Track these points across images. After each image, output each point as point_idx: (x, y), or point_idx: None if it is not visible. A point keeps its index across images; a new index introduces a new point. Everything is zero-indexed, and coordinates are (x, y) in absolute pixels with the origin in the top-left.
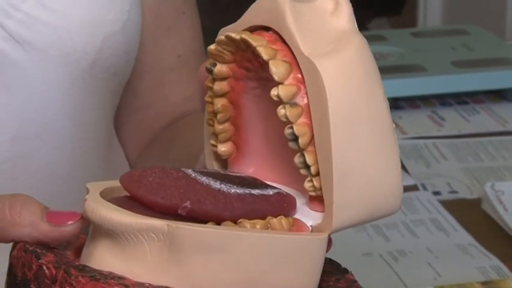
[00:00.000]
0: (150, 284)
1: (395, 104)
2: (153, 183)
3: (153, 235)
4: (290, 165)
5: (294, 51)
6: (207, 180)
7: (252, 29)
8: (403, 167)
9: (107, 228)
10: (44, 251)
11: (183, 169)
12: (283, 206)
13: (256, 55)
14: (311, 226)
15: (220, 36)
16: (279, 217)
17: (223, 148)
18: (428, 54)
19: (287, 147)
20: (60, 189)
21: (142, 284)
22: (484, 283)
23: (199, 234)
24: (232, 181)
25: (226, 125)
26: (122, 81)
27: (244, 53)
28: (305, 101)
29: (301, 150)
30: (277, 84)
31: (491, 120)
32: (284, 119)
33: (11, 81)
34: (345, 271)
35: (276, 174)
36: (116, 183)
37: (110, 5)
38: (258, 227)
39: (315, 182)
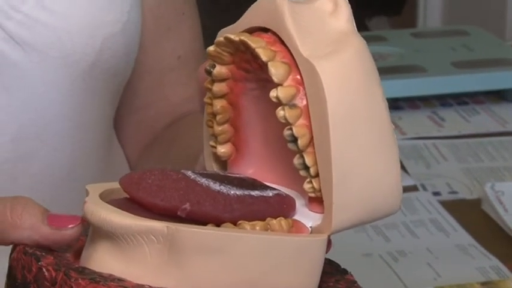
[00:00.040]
0: (150, 286)
1: (395, 104)
2: (152, 185)
3: (153, 237)
4: (289, 167)
5: (293, 52)
6: (206, 182)
7: (251, 31)
8: (403, 168)
9: (106, 230)
10: (43, 253)
11: (182, 171)
12: (282, 207)
13: (255, 56)
14: (311, 227)
15: (219, 37)
16: (278, 218)
17: (222, 149)
18: (428, 55)
19: (286, 149)
20: (60, 190)
21: (142, 286)
22: (483, 283)
23: (199, 236)
24: (231, 182)
25: (226, 126)
26: (121, 82)
27: (243, 55)
28: (304, 102)
29: (300, 152)
30: (276, 85)
31: (491, 120)
32: (283, 121)
33: (11, 82)
34: (345, 272)
35: (275, 176)
36: (116, 185)
37: (110, 6)
38: (257, 228)
39: (314, 183)
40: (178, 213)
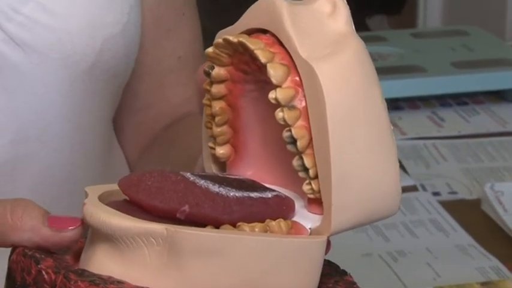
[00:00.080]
0: None
1: (395, 104)
2: (151, 187)
3: (152, 239)
4: (288, 168)
5: (291, 54)
6: (205, 184)
7: (250, 32)
8: (403, 168)
9: (105, 232)
10: (43, 256)
11: (181, 172)
12: (282, 209)
13: (254, 58)
14: (310, 229)
15: (218, 39)
16: (277, 220)
17: (221, 151)
18: (428, 55)
19: (285, 150)
20: (60, 191)
21: None
22: (483, 284)
23: (198, 238)
24: (230, 184)
25: (225, 128)
26: (121, 83)
27: (242, 56)
28: (303, 103)
29: (299, 153)
30: (275, 87)
31: (491, 121)
32: (282, 122)
33: (11, 83)
34: (344, 273)
35: (274, 177)
36: (115, 186)
37: (110, 8)
38: (256, 230)
39: (313, 185)
40: (178, 215)
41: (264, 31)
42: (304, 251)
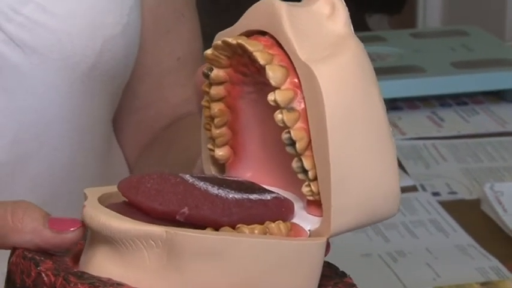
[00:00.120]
0: None
1: (395, 104)
2: (151, 189)
3: (152, 242)
4: (288, 170)
5: (290, 56)
6: (204, 186)
7: (249, 34)
8: (403, 168)
9: (105, 234)
10: (42, 258)
11: (180, 174)
12: (281, 211)
13: (253, 60)
14: (309, 230)
15: (217, 41)
16: (277, 222)
17: (220, 152)
18: (427, 55)
19: (284, 152)
20: (60, 190)
21: None
22: (483, 284)
23: (198, 240)
24: (230, 186)
25: (224, 130)
26: (121, 84)
27: (241, 58)
28: (302, 105)
29: (298, 155)
30: (274, 89)
31: (491, 121)
32: (281, 124)
33: (11, 84)
34: (343, 275)
35: (273, 179)
36: (114, 188)
37: (110, 9)
38: (256, 232)
39: (312, 187)
40: (177, 217)
41: (263, 33)
42: (303, 253)
